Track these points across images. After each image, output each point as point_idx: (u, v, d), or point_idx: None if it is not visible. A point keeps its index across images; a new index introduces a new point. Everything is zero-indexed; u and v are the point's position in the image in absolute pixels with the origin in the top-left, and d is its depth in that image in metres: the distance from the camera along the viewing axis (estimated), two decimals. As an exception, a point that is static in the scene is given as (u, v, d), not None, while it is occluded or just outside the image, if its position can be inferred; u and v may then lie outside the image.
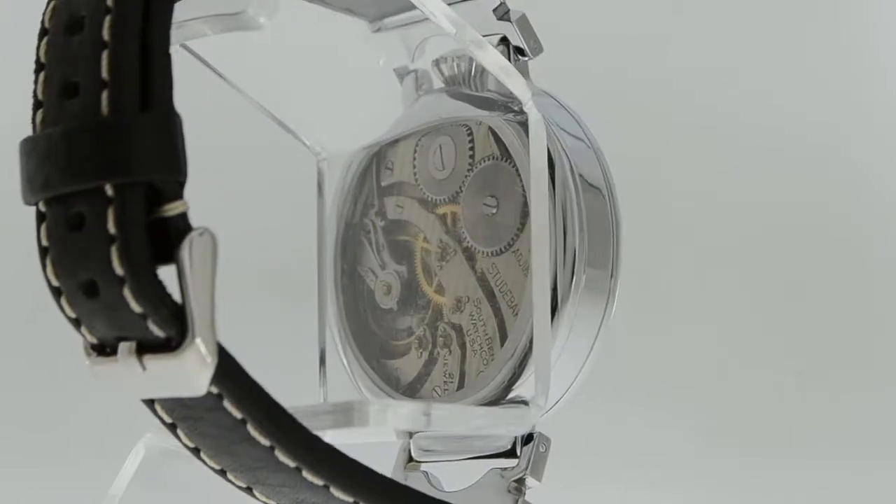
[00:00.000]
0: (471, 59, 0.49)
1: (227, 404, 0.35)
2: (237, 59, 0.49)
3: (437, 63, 0.51)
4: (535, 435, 0.46)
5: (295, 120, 0.53)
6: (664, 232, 0.70)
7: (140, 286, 0.32)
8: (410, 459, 0.49)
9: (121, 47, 0.33)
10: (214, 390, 0.35)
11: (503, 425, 0.45)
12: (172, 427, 0.37)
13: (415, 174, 0.51)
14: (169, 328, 0.33)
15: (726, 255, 0.71)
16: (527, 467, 0.45)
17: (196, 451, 0.38)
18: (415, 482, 0.49)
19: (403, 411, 0.43)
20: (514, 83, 0.45)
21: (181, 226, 0.33)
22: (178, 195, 0.33)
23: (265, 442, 0.36)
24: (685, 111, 0.71)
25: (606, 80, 0.70)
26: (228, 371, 0.34)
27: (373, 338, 0.52)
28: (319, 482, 0.37)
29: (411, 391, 0.50)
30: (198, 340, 0.32)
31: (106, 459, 0.50)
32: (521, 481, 0.45)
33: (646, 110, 0.70)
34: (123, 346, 0.34)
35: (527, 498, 0.46)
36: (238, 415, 0.35)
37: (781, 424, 0.68)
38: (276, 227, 0.66)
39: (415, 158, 0.51)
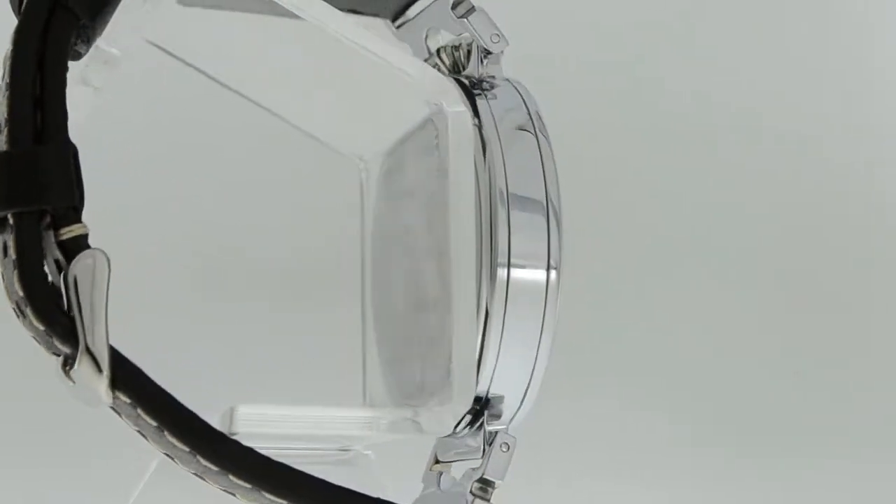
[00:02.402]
0: (468, 49, 0.49)
1: (140, 412, 0.38)
2: (269, 87, 0.50)
3: (437, 53, 0.50)
4: (497, 434, 0.46)
5: (330, 133, 0.53)
6: (661, 229, 0.69)
7: (35, 306, 0.36)
8: (437, 461, 0.50)
9: (14, 89, 0.37)
10: (127, 399, 0.37)
11: (428, 428, 0.45)
12: (141, 434, 0.40)
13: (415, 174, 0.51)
14: (65, 344, 0.36)
15: (724, 253, 0.70)
16: (486, 467, 0.45)
17: (169, 456, 0.40)
18: (427, 483, 0.49)
19: (388, 418, 0.45)
20: (440, 86, 0.46)
21: (75, 248, 0.36)
22: (74, 220, 0.37)
23: (184, 447, 0.38)
24: (683, 108, 0.70)
25: (605, 76, 0.70)
26: (132, 381, 0.37)
27: (396, 340, 0.52)
28: (247, 485, 0.39)
29: (418, 394, 0.51)
30: (88, 354, 0.35)
31: (107, 460, 0.53)
32: (486, 482, 0.45)
33: (645, 107, 0.70)
34: (59, 361, 0.37)
35: (493, 500, 0.45)
36: (153, 422, 0.38)
37: (779, 425, 0.68)
38: (304, 229, 0.67)
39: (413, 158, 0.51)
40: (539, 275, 0.45)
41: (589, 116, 0.70)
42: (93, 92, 0.42)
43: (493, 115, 0.46)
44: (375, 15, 0.51)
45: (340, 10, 0.49)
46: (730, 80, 0.71)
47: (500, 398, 0.46)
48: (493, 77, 0.48)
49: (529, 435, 0.53)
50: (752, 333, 0.69)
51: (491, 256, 0.44)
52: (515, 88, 0.48)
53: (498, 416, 0.46)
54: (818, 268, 0.70)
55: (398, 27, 0.52)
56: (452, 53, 0.50)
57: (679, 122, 0.70)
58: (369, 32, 0.45)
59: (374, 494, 0.43)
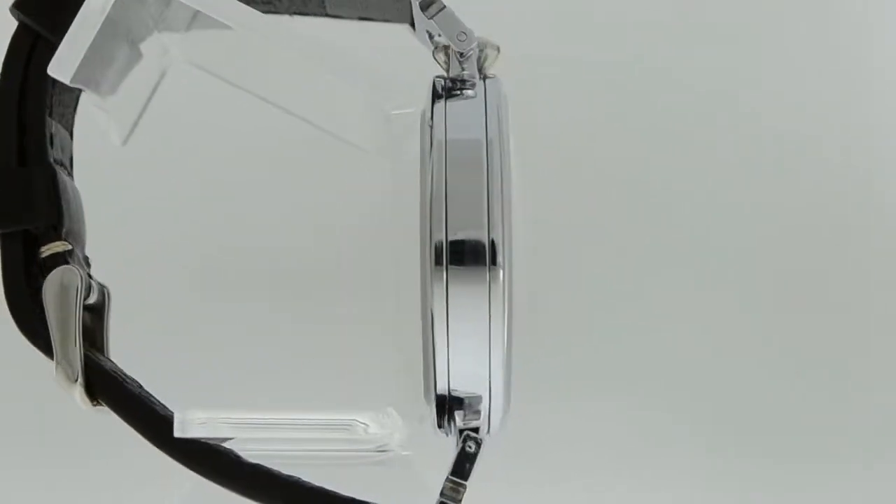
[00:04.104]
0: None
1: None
2: (305, 99, 0.51)
3: (434, 53, 0.51)
4: (463, 433, 0.46)
5: (363, 139, 0.53)
6: (660, 229, 0.70)
7: (18, 320, 0.38)
8: None
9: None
10: (104, 406, 0.39)
11: (382, 430, 0.46)
12: None
13: None
14: (48, 355, 0.38)
15: (723, 253, 0.70)
16: (453, 466, 0.45)
17: None
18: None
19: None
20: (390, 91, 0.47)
21: (52, 265, 0.39)
22: (54, 238, 0.39)
23: (160, 450, 0.39)
24: (683, 107, 0.71)
25: (605, 76, 0.71)
26: (104, 387, 0.38)
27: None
28: (221, 486, 0.40)
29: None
30: (61, 364, 0.37)
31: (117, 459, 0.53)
32: (456, 482, 0.45)
33: (644, 106, 0.71)
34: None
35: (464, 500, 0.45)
36: (128, 426, 0.39)
37: (779, 425, 0.68)
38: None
39: None
40: (479, 273, 0.45)
41: (588, 115, 0.70)
42: (107, 115, 0.44)
43: (445, 116, 0.46)
44: (387, 20, 0.52)
45: (351, 18, 0.50)
46: (730, 79, 0.71)
47: (478, 398, 0.46)
48: (473, 76, 0.48)
49: (528, 435, 0.53)
50: (752, 333, 0.69)
51: (430, 257, 0.44)
52: (484, 87, 0.48)
53: (478, 416, 0.46)
54: (818, 268, 0.70)
55: (416, 30, 0.52)
56: (446, 54, 0.51)
57: (679, 121, 0.70)
58: (326, 47, 0.45)
59: (415, 495, 0.44)
